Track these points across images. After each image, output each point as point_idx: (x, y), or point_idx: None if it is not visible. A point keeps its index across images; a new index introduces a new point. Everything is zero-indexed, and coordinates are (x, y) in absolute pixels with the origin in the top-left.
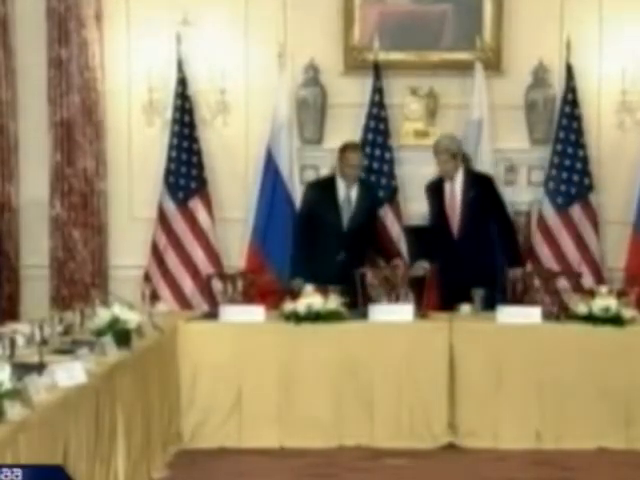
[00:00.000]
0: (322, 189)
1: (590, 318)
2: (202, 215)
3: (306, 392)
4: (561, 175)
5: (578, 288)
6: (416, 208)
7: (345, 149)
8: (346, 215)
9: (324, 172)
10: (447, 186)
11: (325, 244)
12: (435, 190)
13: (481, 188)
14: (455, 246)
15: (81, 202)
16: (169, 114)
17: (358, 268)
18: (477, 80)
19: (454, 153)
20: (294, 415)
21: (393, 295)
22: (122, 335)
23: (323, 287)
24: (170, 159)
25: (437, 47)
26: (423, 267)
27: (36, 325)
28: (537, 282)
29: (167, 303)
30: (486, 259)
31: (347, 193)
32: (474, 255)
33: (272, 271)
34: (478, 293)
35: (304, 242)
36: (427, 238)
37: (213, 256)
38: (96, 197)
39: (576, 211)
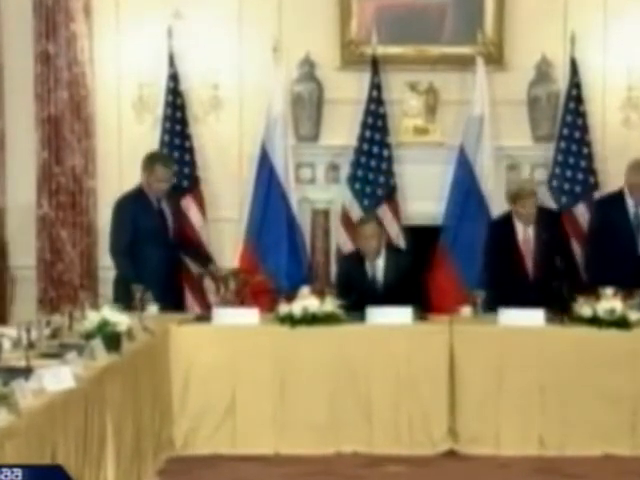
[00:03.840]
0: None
1: (595, 321)
2: (194, 214)
3: (302, 397)
4: (565, 173)
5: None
6: (415, 207)
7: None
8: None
9: (320, 170)
10: (519, 225)
11: None
12: (504, 228)
13: (552, 227)
14: (531, 288)
15: (69, 201)
16: (160, 110)
17: None
18: (478, 75)
19: (536, 193)
20: (290, 421)
21: None
22: (112, 338)
23: None
24: None
25: (437, 41)
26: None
27: (23, 328)
28: None
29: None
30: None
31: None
32: (546, 297)
33: (266, 271)
34: (479, 295)
35: None
36: (501, 280)
37: None
38: (85, 196)
39: (580, 210)
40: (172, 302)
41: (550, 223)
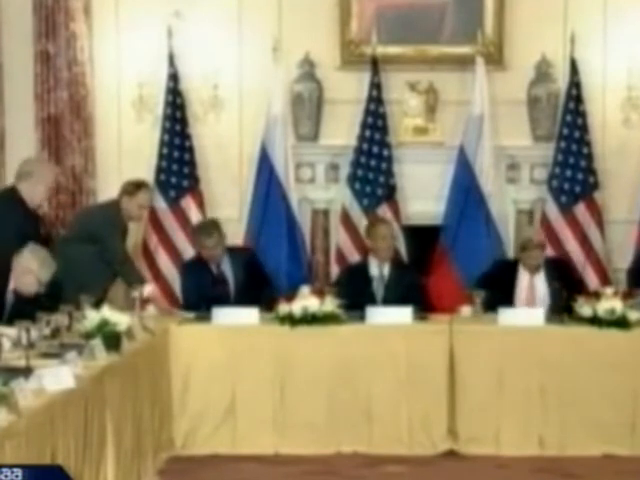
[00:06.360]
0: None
1: (595, 320)
2: (194, 214)
3: (302, 397)
4: (565, 173)
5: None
6: (415, 207)
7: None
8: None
9: (320, 170)
10: (524, 277)
11: None
12: (507, 274)
13: (562, 276)
14: None
15: (69, 201)
16: (160, 110)
17: None
18: (478, 75)
19: (544, 245)
20: (290, 421)
21: None
22: (112, 338)
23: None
24: (161, 156)
25: (437, 41)
26: None
27: (23, 328)
28: None
29: (158, 305)
30: None
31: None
32: None
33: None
34: (479, 294)
35: None
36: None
37: None
38: (85, 196)
39: (580, 210)
40: None
41: (558, 271)
